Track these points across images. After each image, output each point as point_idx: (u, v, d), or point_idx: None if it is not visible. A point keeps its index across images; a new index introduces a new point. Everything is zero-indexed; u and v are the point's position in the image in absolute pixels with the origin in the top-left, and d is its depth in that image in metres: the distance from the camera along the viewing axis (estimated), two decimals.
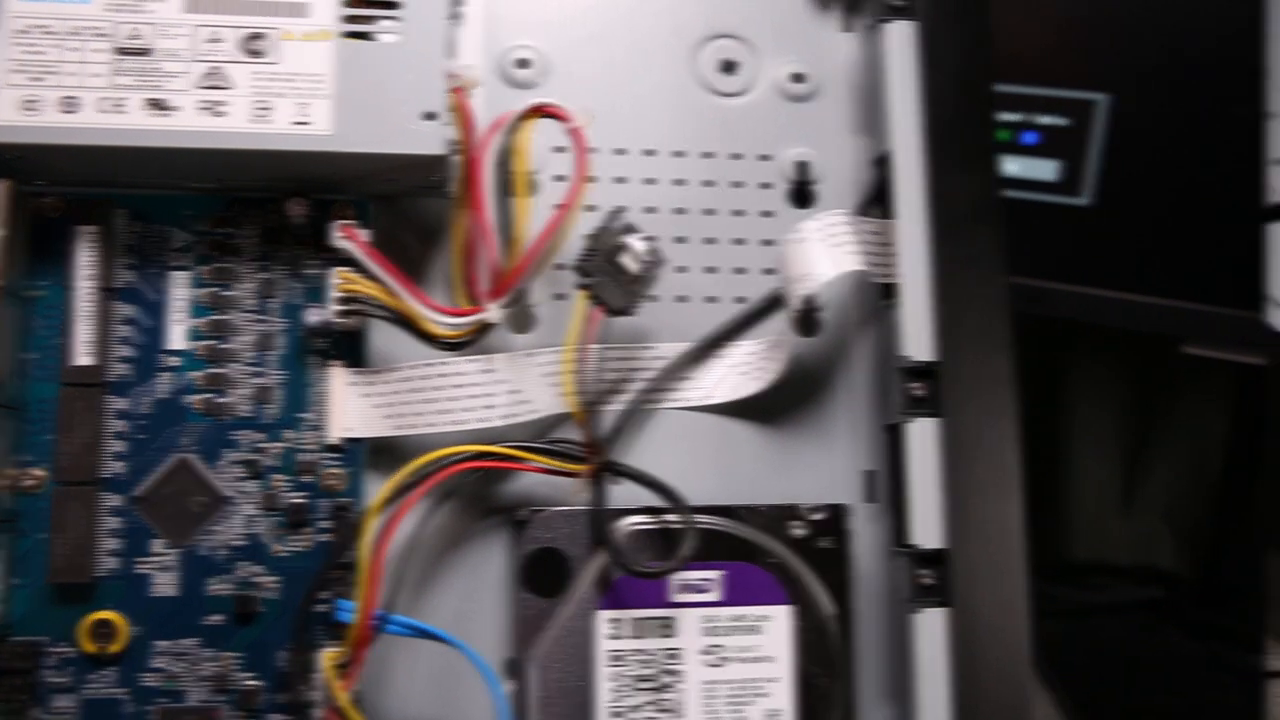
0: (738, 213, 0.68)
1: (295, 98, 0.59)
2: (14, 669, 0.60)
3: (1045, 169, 0.68)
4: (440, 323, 0.62)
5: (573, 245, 0.63)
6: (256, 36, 0.60)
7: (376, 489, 0.61)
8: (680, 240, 0.67)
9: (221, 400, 0.62)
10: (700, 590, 0.63)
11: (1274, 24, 0.62)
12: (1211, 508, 0.67)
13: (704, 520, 0.63)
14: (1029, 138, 0.69)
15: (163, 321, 0.62)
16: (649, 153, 0.68)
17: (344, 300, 0.61)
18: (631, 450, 0.65)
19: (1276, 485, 0.64)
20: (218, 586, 0.61)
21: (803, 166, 0.69)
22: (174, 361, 0.62)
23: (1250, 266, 0.63)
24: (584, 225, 0.63)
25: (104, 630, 0.60)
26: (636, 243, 0.63)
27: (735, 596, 0.64)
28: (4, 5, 0.58)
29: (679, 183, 0.68)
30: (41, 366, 0.61)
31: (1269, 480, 0.65)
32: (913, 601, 0.61)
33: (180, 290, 0.63)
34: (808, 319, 0.66)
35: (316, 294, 0.63)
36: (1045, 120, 0.68)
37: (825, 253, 0.63)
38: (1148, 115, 0.67)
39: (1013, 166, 0.69)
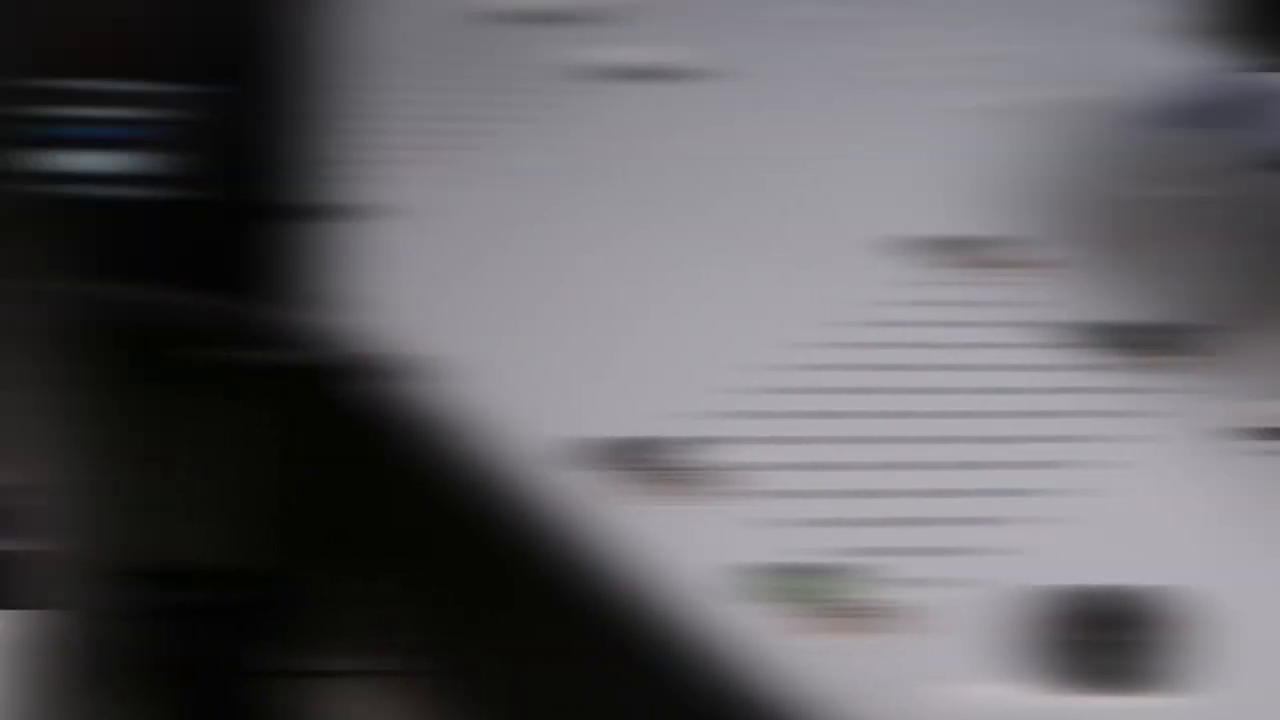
0: None
1: None
2: None
3: (125, 163, 0.66)
4: None
5: None
6: None
7: None
8: None
9: None
10: None
11: (330, 23, 0.64)
12: (273, 510, 0.68)
13: None
14: (100, 132, 0.67)
15: None
16: None
17: None
18: None
19: (328, 489, 0.66)
20: None
21: None
22: None
23: (305, 266, 0.64)
24: None
25: None
26: None
27: None
28: None
29: None
30: None
31: (322, 484, 0.66)
32: None
33: None
34: None
35: None
36: (123, 114, 0.66)
37: None
38: (233, 109, 0.66)
39: (83, 162, 0.67)
